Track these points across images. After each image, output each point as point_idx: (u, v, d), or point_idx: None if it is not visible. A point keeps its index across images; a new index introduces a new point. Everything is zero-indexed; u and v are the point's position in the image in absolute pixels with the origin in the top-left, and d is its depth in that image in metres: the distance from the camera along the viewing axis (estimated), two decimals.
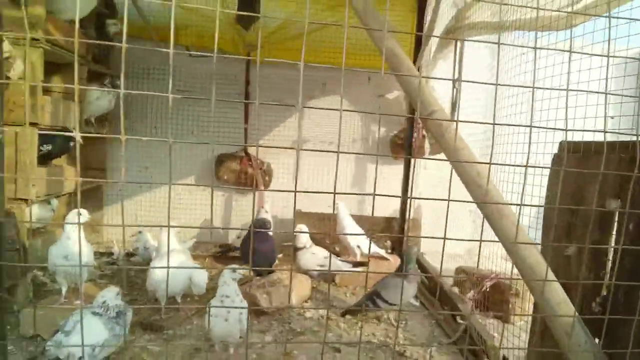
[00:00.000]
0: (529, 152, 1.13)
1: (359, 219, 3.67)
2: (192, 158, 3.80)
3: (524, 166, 1.15)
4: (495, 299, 2.81)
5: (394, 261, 3.27)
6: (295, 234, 3.06)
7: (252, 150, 3.76)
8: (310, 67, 3.55)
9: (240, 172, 3.68)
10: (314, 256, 2.96)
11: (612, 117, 1.77)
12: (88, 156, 3.51)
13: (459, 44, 3.06)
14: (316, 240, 3.40)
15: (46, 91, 2.83)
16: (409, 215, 3.74)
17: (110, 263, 3.29)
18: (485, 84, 1.11)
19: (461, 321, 2.53)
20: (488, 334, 2.22)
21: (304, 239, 3.09)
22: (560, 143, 1.75)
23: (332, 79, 3.78)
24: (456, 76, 3.07)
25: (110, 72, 3.35)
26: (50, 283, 2.71)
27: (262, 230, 2.64)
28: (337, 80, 3.76)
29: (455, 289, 2.91)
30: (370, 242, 3.21)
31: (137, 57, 3.64)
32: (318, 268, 2.90)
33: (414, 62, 3.52)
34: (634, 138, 1.16)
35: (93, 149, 3.55)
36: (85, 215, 2.26)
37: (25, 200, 2.46)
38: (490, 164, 1.22)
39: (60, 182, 2.79)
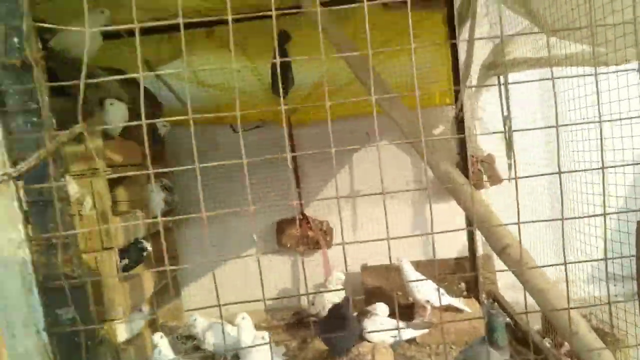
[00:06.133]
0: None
1: (426, 265, 3.59)
2: (251, 229, 3.90)
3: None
4: None
5: (471, 308, 3.17)
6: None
7: (308, 212, 3.80)
8: (351, 120, 3.51)
9: (301, 236, 3.72)
10: (382, 327, 2.91)
11: None
12: (159, 251, 3.69)
13: (502, 79, 2.91)
14: (384, 294, 3.38)
15: (114, 201, 3.00)
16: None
17: (196, 348, 3.43)
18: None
19: None
20: None
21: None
22: None
23: (374, 127, 3.73)
24: (505, 113, 2.92)
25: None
26: None
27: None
28: (379, 128, 3.71)
29: (547, 341, 2.75)
30: (440, 293, 3.14)
31: (186, 144, 3.78)
32: (391, 339, 2.85)
33: (456, 99, 3.41)
34: None
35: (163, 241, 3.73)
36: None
37: (114, 320, 2.63)
38: (562, 264, 1.14)
39: (141, 289, 2.95)
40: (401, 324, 2.98)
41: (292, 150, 3.75)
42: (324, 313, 3.44)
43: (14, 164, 0.66)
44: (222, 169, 3.75)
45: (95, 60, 2.83)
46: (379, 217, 3.85)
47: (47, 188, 0.68)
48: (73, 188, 2.38)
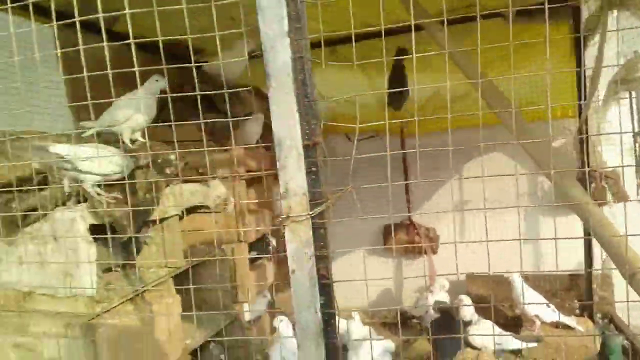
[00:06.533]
0: None
1: (536, 279, 3.54)
2: (361, 231, 4.14)
3: None
4: None
5: (584, 327, 3.08)
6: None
7: (415, 219, 3.96)
8: (463, 131, 3.61)
9: (408, 241, 3.89)
10: (489, 332, 2.97)
11: None
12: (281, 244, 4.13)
13: (633, 94, 2.79)
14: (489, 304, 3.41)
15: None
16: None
17: None
18: None
19: None
20: None
21: (468, 312, 3.13)
22: None
23: (487, 137, 3.74)
24: (636, 129, 2.80)
25: None
26: None
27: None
28: (491, 139, 3.71)
29: None
30: (551, 309, 3.10)
31: None
32: (495, 347, 2.91)
33: (579, 113, 3.30)
34: None
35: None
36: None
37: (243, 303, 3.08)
38: None
39: (265, 278, 3.38)
40: (508, 333, 3.02)
41: (404, 160, 3.94)
42: (427, 316, 3.60)
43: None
44: (337, 175, 4.06)
45: (238, 79, 3.30)
46: (488, 226, 3.87)
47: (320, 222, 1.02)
48: (221, 190, 2.84)
